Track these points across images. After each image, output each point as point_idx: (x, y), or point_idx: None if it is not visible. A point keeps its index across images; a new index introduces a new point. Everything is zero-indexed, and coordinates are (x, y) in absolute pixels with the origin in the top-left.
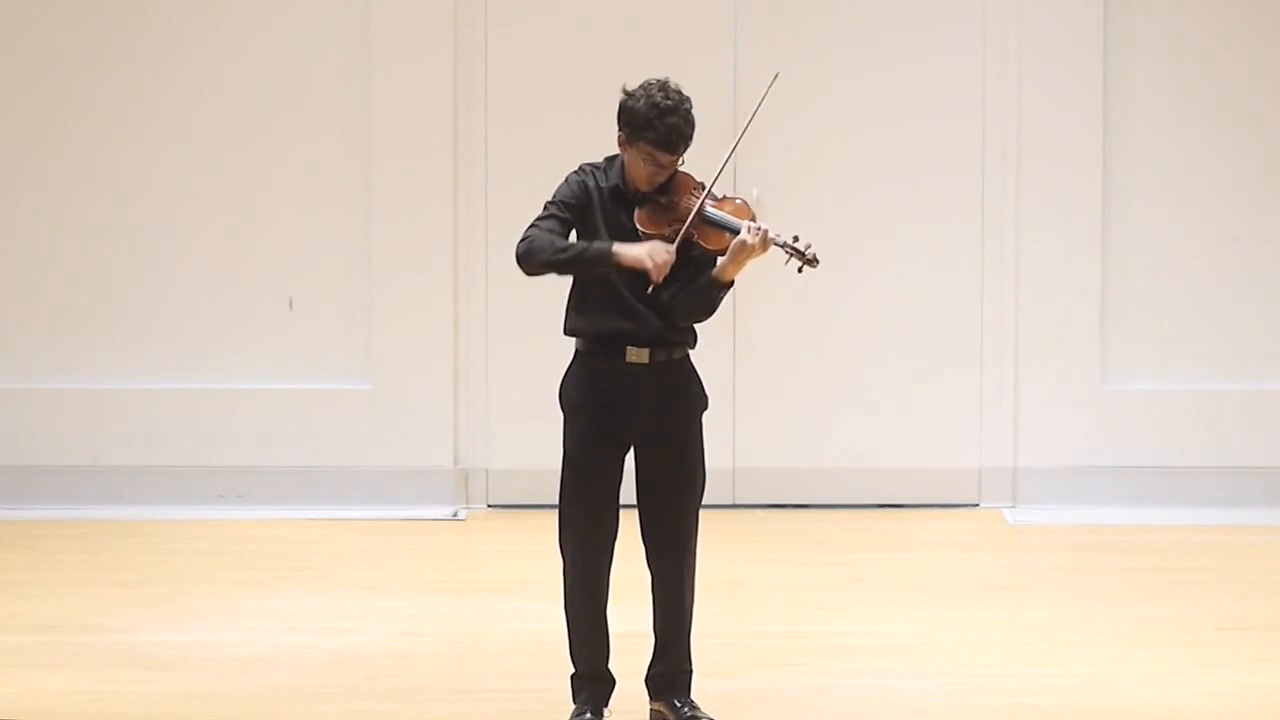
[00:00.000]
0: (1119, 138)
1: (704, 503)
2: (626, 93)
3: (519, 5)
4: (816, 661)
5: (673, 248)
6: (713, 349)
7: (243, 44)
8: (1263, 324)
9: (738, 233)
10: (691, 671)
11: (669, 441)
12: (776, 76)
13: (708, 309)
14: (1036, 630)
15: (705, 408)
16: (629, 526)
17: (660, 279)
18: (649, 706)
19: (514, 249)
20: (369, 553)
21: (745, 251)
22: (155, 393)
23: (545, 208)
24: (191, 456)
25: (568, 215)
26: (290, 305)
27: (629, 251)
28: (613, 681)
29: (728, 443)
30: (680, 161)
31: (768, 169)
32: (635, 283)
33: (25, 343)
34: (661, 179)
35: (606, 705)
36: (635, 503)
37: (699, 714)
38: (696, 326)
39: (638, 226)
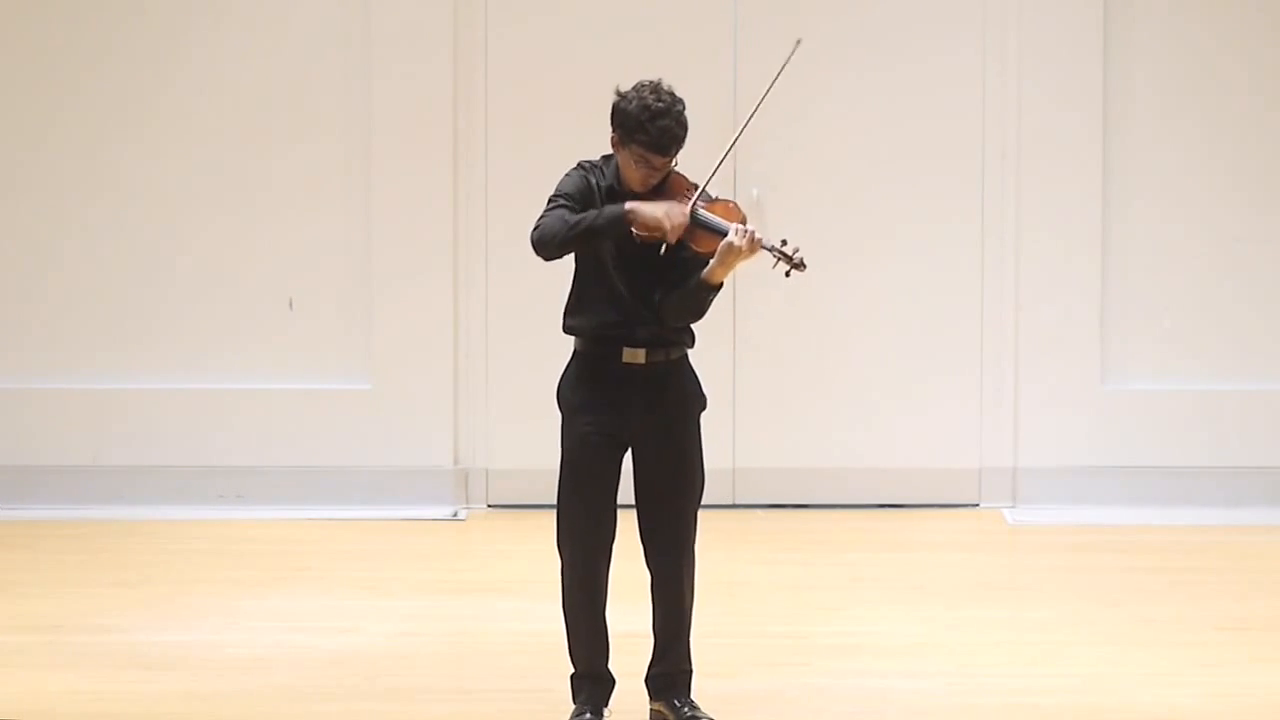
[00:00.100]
0: (1119, 138)
1: (704, 503)
2: (619, 94)
3: (519, 5)
4: (816, 661)
5: (688, 208)
6: (713, 349)
7: (243, 44)
8: (1263, 324)
9: (727, 235)
10: (691, 671)
11: (666, 442)
12: (799, 43)
13: (697, 311)
14: (1036, 630)
15: (703, 408)
16: (628, 526)
17: (675, 240)
18: (649, 706)
19: (523, 244)
20: (369, 553)
21: (733, 254)
22: (155, 393)
23: (551, 200)
24: (191, 456)
25: (576, 208)
26: (290, 305)
27: (647, 210)
28: (612, 681)
29: (728, 443)
30: (674, 163)
31: (768, 169)
32: (635, 282)
33: (25, 343)
34: (655, 180)
35: (606, 705)
36: (634, 503)
37: (699, 714)
38: (694, 327)
39: (631, 227)
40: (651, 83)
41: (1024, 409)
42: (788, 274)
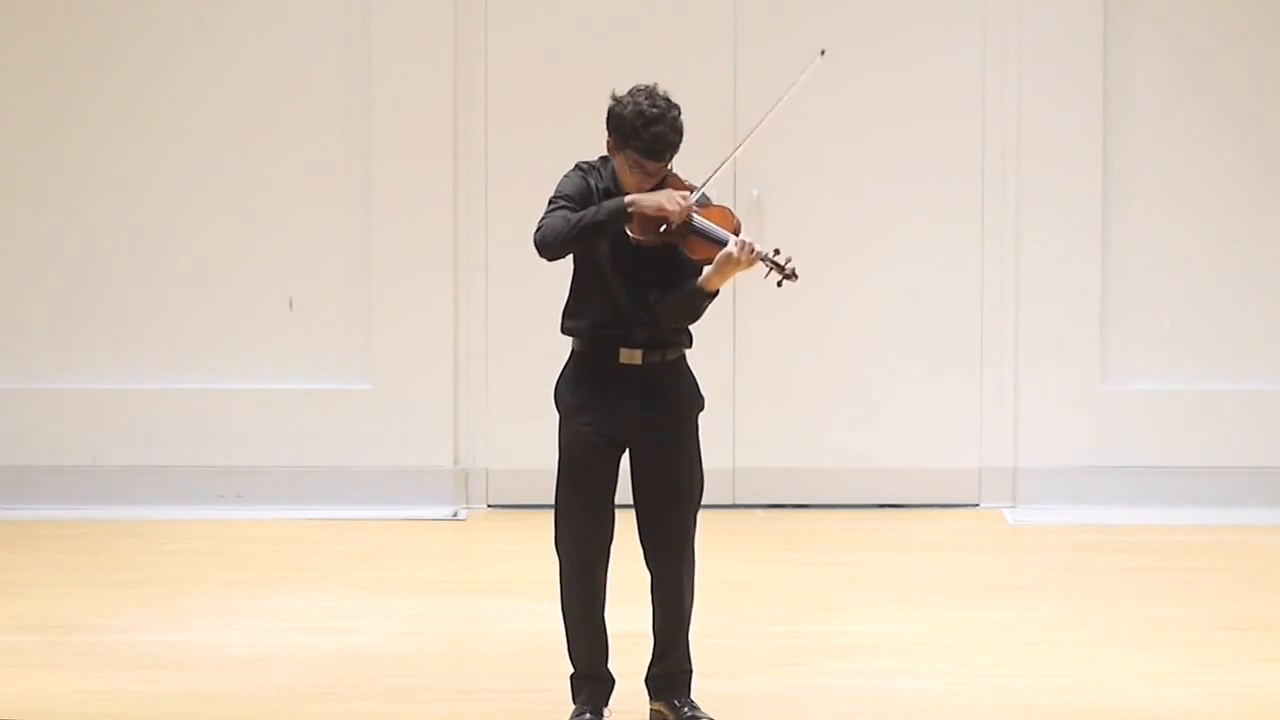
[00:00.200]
0: (1119, 138)
1: (704, 503)
2: (615, 99)
3: (519, 5)
4: (816, 661)
5: (691, 195)
6: (713, 349)
7: (243, 44)
8: (1263, 324)
9: (723, 244)
10: (691, 671)
11: (663, 442)
12: (823, 53)
13: (692, 315)
14: (1036, 630)
15: (701, 409)
16: (628, 526)
17: (679, 223)
18: (649, 706)
19: (524, 244)
20: (369, 553)
21: (731, 265)
22: (155, 393)
23: (551, 202)
24: (191, 457)
25: (576, 209)
26: (290, 305)
27: (648, 199)
28: (612, 681)
29: (728, 443)
30: (669, 168)
31: (768, 169)
32: (630, 284)
33: (26, 343)
34: (649, 185)
35: (606, 705)
36: (633, 504)
37: (699, 714)
38: (693, 327)
39: (626, 231)
40: (646, 88)
41: (1024, 409)
42: (779, 284)
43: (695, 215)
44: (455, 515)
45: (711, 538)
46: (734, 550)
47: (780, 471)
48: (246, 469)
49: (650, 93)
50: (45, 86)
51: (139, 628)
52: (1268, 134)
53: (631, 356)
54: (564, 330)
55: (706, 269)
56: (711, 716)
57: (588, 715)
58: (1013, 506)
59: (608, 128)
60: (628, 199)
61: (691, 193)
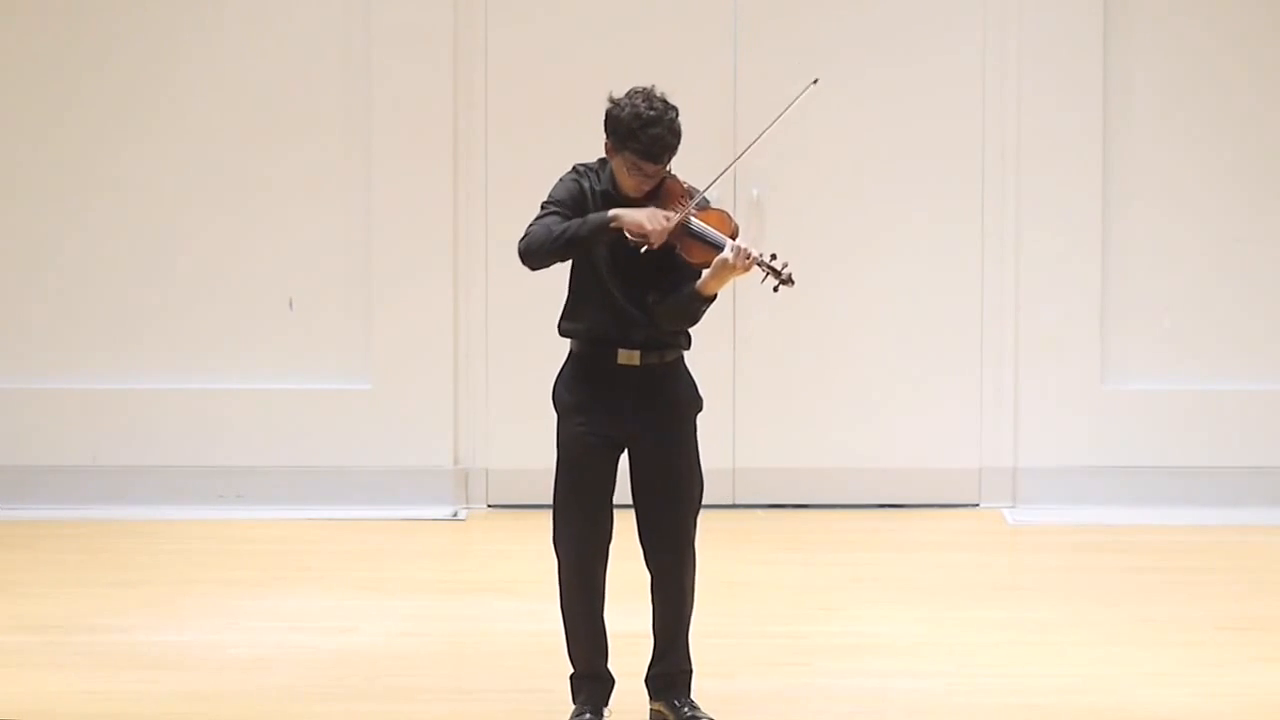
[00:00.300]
0: (1119, 138)
1: (704, 503)
2: (612, 101)
3: (519, 5)
4: (816, 661)
5: (674, 215)
6: (712, 348)
7: (242, 44)
8: (1263, 324)
9: (720, 248)
10: (691, 671)
11: (661, 443)
12: (815, 81)
13: (690, 318)
14: (1036, 630)
15: (699, 410)
16: (628, 526)
17: (658, 244)
18: (649, 706)
19: (515, 252)
20: (369, 553)
21: (727, 270)
22: (155, 393)
23: (542, 207)
24: (191, 456)
25: (567, 214)
26: (290, 305)
27: (630, 215)
28: (612, 681)
29: (728, 443)
30: (667, 170)
31: (768, 169)
32: (627, 286)
33: (26, 342)
34: (648, 187)
35: (606, 705)
36: (632, 504)
37: (699, 714)
38: (691, 329)
39: (625, 232)
40: (644, 89)
41: (1024, 409)
42: (776, 289)
43: (693, 219)
44: (455, 515)
45: (711, 538)
46: (734, 550)
47: (780, 471)
48: (246, 469)
49: (648, 95)
50: (45, 86)
51: (139, 628)
52: (1268, 134)
53: (629, 357)
54: (562, 332)
55: (704, 273)
56: (711, 716)
57: (588, 715)
58: (1013, 506)
59: (606, 130)
60: (611, 214)
61: (690, 197)
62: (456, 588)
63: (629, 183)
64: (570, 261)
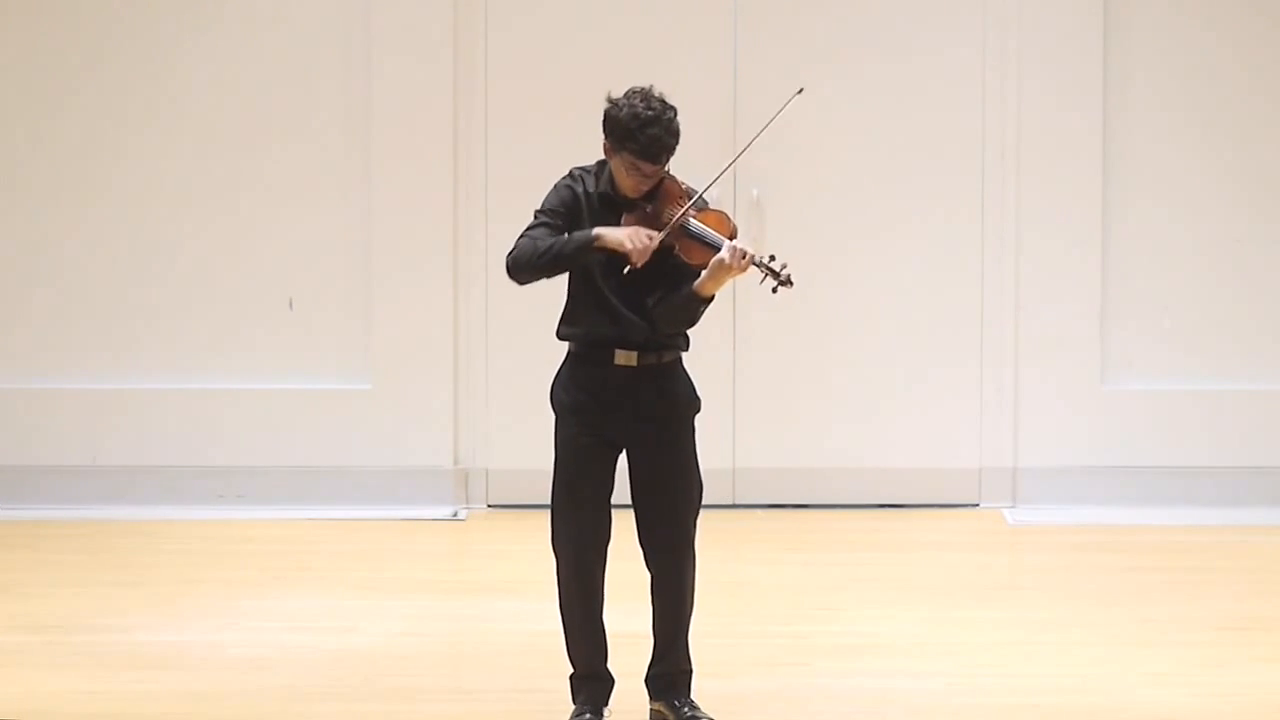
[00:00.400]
0: (1119, 138)
1: (704, 503)
2: (611, 101)
3: (519, 4)
4: (816, 661)
5: (656, 233)
6: (712, 348)
7: (241, 43)
8: (1263, 324)
9: (718, 249)
10: (691, 671)
11: (659, 444)
12: (800, 91)
13: (688, 320)
14: (1036, 630)
15: (697, 411)
16: (628, 526)
17: (640, 263)
18: (649, 706)
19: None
20: (369, 553)
21: (724, 271)
22: (155, 393)
23: (535, 216)
24: (191, 456)
25: (557, 223)
26: (290, 305)
27: (611, 234)
28: (611, 681)
29: (728, 443)
30: (666, 171)
31: (767, 169)
32: (624, 290)
33: (25, 342)
34: (647, 187)
35: (606, 705)
36: (631, 505)
37: (699, 714)
38: (690, 330)
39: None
40: (642, 90)
41: (1024, 409)
42: (774, 290)
43: (692, 220)
44: (455, 515)
45: (711, 538)
46: (734, 550)
47: (780, 471)
48: (246, 469)
49: (646, 95)
50: (44, 87)
51: (139, 628)
52: (1268, 134)
53: (627, 358)
54: (560, 334)
55: (702, 274)
56: (711, 716)
57: (588, 715)
58: (1013, 506)
59: (604, 130)
60: (594, 234)
61: (688, 198)
62: (456, 588)
63: (627, 183)
64: None
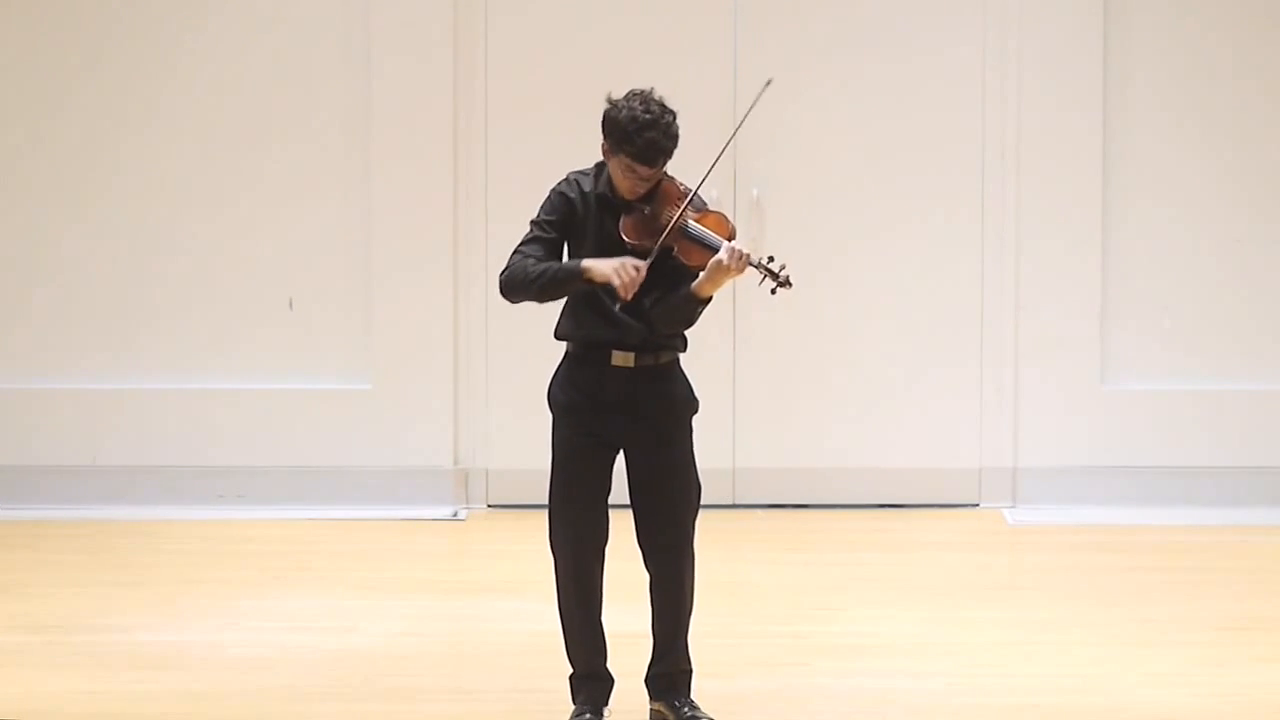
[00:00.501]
0: (1119, 138)
1: (704, 503)
2: (610, 103)
3: (519, 2)
4: (816, 661)
5: (643, 264)
6: (712, 349)
7: (240, 42)
8: (1263, 324)
9: (716, 250)
10: (691, 671)
11: (656, 444)
12: (769, 83)
13: (686, 321)
14: (1036, 630)
15: (694, 411)
16: (628, 526)
17: (628, 296)
18: (649, 706)
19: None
20: (369, 553)
21: (722, 272)
22: (155, 393)
23: (530, 227)
24: (191, 456)
25: (552, 234)
26: (290, 305)
27: (598, 267)
28: (611, 680)
29: (727, 443)
30: (664, 172)
31: (767, 168)
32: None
33: (25, 342)
34: (644, 189)
35: (606, 704)
36: (630, 506)
37: (699, 714)
38: (689, 331)
39: (622, 235)
40: (641, 92)
41: (1024, 409)
42: (773, 291)
43: (691, 221)
44: (455, 515)
45: (711, 538)
46: (734, 550)
47: (780, 471)
48: (246, 469)
49: (644, 98)
50: (43, 87)
51: (139, 628)
52: (1268, 134)
53: (624, 359)
54: (558, 334)
55: (700, 275)
56: (711, 716)
57: (588, 715)
58: (1013, 506)
59: (603, 132)
60: (583, 266)
61: (686, 198)
62: (456, 588)
63: (625, 185)
64: (566, 260)
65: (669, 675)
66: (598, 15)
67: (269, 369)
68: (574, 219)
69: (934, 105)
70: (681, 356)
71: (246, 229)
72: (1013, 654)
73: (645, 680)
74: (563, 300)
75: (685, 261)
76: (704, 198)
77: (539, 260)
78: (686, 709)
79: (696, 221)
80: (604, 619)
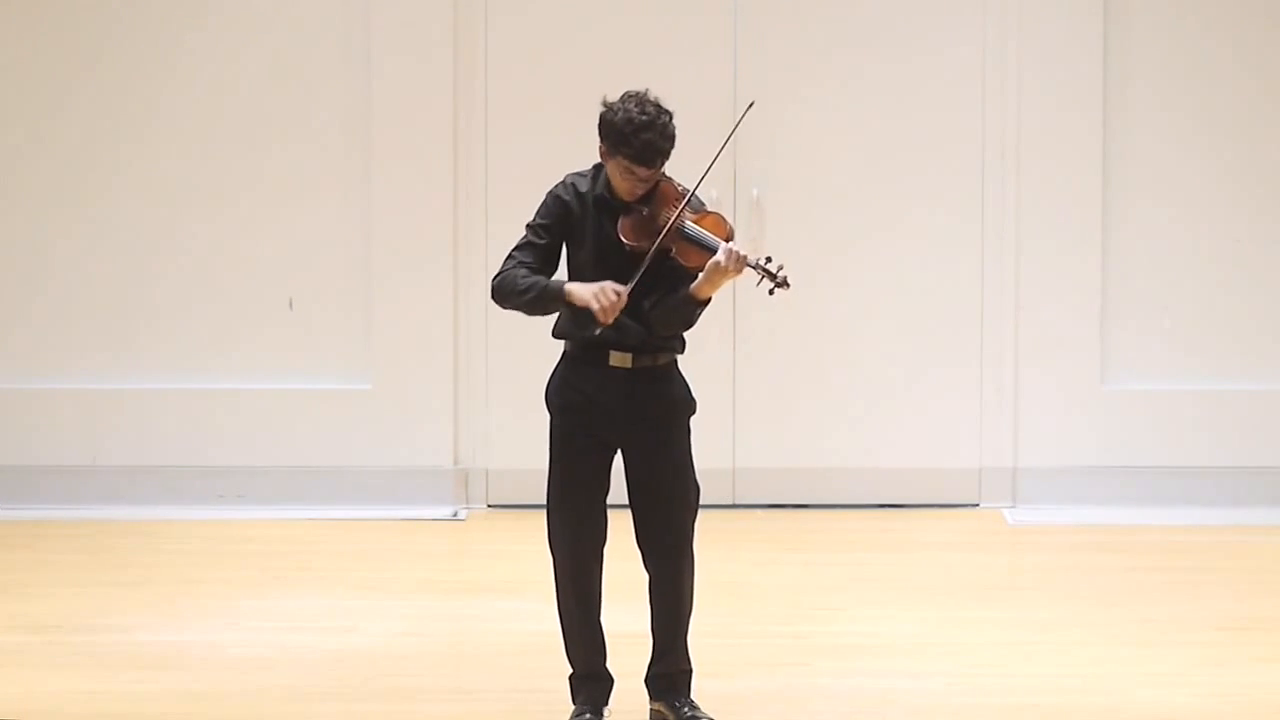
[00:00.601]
0: (1119, 138)
1: (704, 503)
2: (606, 105)
3: (519, 2)
4: (816, 661)
5: (624, 288)
6: (712, 348)
7: (241, 41)
8: (1263, 324)
9: (714, 251)
10: (691, 671)
11: (656, 447)
12: (751, 105)
13: (685, 323)
14: (1036, 630)
15: (692, 412)
16: (627, 526)
17: (608, 320)
18: (649, 706)
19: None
20: (369, 553)
21: (720, 274)
22: (155, 393)
23: (525, 230)
24: (191, 456)
25: (546, 239)
26: (290, 305)
27: (578, 292)
28: (611, 680)
29: (727, 443)
30: (662, 174)
31: (767, 168)
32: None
33: (24, 343)
34: (642, 190)
35: (606, 704)
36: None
37: (699, 714)
38: (687, 332)
39: (620, 236)
40: (638, 94)
41: (1024, 409)
42: (771, 292)
43: (689, 222)
44: (455, 515)
45: (711, 538)
46: (734, 550)
47: (780, 471)
48: (246, 469)
49: (641, 99)
50: (43, 86)
51: (139, 628)
52: (1268, 134)
53: (622, 360)
54: (556, 334)
55: (698, 276)
56: (711, 716)
57: (587, 715)
58: (1013, 506)
59: (599, 134)
60: (565, 289)
61: (684, 198)
62: (456, 588)
63: (623, 186)
64: (566, 262)
65: (669, 675)
66: (598, 15)
67: (269, 369)
68: (570, 222)
69: (934, 105)
70: (680, 357)
71: (246, 229)
72: (1012, 654)
73: (645, 680)
74: None
75: (683, 263)
76: (702, 199)
77: (530, 271)
78: (686, 709)
79: (694, 222)
80: (604, 619)
